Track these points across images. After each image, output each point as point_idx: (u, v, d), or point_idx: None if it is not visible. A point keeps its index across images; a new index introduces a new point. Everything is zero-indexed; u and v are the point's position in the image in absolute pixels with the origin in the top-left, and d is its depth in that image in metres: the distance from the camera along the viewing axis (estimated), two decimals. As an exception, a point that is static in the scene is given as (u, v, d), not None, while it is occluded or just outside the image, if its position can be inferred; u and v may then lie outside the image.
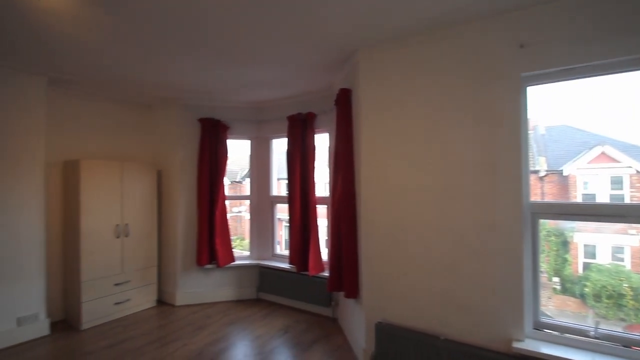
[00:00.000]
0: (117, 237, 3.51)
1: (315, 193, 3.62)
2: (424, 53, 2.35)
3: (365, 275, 2.57)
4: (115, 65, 2.92)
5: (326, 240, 3.84)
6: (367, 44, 2.53)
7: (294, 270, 3.74)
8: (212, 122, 3.97)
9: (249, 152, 4.37)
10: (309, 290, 3.62)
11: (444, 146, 2.26)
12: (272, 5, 1.96)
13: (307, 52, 2.65)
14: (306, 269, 3.60)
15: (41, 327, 3.10)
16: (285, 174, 3.84)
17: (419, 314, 2.33)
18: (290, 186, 3.74)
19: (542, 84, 2.06)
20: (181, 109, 4.00)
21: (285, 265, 3.89)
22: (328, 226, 3.73)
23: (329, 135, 3.70)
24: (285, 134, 3.89)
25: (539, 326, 2.05)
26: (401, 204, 2.41)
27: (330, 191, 3.57)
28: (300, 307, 3.80)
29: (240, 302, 4.00)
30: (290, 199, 3.74)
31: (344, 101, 2.88)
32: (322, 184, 4.06)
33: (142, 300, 3.77)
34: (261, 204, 4.25)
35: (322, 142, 3.85)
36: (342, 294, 3.24)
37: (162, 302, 4.02)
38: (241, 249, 4.08)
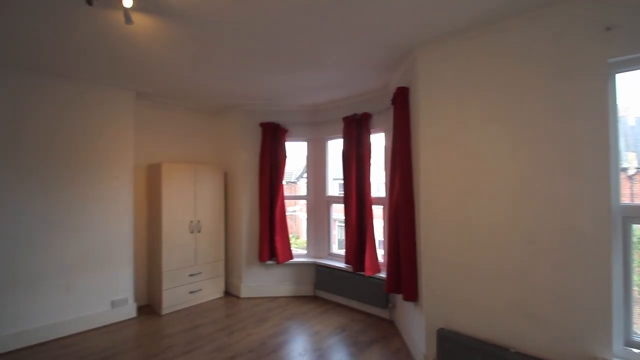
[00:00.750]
0: (191, 233, 3.90)
1: (371, 193, 3.61)
2: (488, 45, 2.21)
3: (426, 278, 2.50)
4: (191, 78, 3.26)
5: (382, 241, 3.80)
6: (426, 40, 2.46)
7: (350, 270, 3.77)
8: (272, 125, 4.19)
9: (304, 154, 4.51)
10: (365, 290, 3.62)
11: (515, 143, 2.10)
12: (332, 8, 2.02)
13: (365, 52, 2.67)
14: (362, 269, 3.61)
15: (129, 310, 3.57)
16: (340, 175, 3.89)
17: (485, 322, 2.19)
18: (346, 186, 3.78)
19: (633, 70, 1.80)
20: (244, 115, 4.29)
21: (341, 265, 3.94)
22: (384, 227, 3.69)
23: (385, 134, 3.66)
24: (341, 134, 3.94)
25: (630, 344, 1.79)
26: (467, 205, 2.30)
27: (387, 191, 3.54)
28: (356, 306, 3.82)
29: (298, 298, 4.16)
30: (346, 199, 3.78)
31: (402, 100, 2.83)
32: (378, 184, 4.02)
33: (212, 290, 4.13)
34: (317, 203, 4.36)
35: (378, 142, 3.83)
36: (399, 296, 3.18)
37: (229, 293, 4.36)
38: (296, 247, 4.24)
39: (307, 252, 4.39)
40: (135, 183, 3.82)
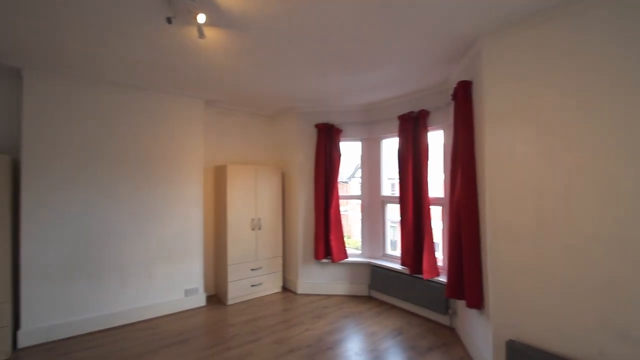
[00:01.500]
0: (253, 230, 4.15)
1: (429, 194, 3.47)
2: (563, 31, 1.98)
3: (493, 285, 2.33)
4: (252, 85, 3.47)
5: (441, 243, 3.63)
6: (491, 29, 2.29)
7: (406, 272, 3.67)
8: (326, 126, 4.25)
9: (356, 153, 4.51)
10: (423, 293, 3.50)
11: (603, 140, 1.86)
12: (392, 4, 1.99)
13: (424, 47, 2.58)
14: (420, 272, 3.49)
15: (199, 299, 3.92)
16: (396, 174, 3.81)
17: (564, 337, 1.98)
18: (402, 186, 3.69)
19: None
20: (299, 117, 4.43)
21: (396, 266, 3.85)
22: (444, 229, 3.52)
23: (444, 132, 3.49)
24: (396, 133, 3.86)
25: None
26: (541, 208, 2.10)
27: (447, 192, 3.38)
28: (412, 310, 3.71)
29: (352, 298, 4.17)
30: (402, 200, 3.69)
31: (463, 95, 2.67)
32: (436, 184, 3.85)
33: (271, 285, 4.34)
34: (372, 203, 4.32)
35: (436, 140, 3.67)
36: (461, 302, 3.02)
37: (286, 288, 4.54)
38: (348, 247, 4.27)
39: (362, 252, 4.38)
40: (205, 183, 4.17)
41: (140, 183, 3.52)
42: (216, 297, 4.21)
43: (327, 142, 4.26)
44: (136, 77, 3.24)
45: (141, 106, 3.56)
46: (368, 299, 4.13)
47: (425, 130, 3.50)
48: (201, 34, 2.06)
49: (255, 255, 4.18)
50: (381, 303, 3.98)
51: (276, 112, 4.76)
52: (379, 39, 2.42)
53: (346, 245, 4.28)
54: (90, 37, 2.39)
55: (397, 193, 3.80)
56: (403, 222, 3.67)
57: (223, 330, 3.26)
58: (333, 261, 4.15)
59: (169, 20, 1.89)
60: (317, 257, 4.20)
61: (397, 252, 4.14)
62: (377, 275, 4.04)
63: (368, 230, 4.35)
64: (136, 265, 3.48)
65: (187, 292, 3.81)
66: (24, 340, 2.89)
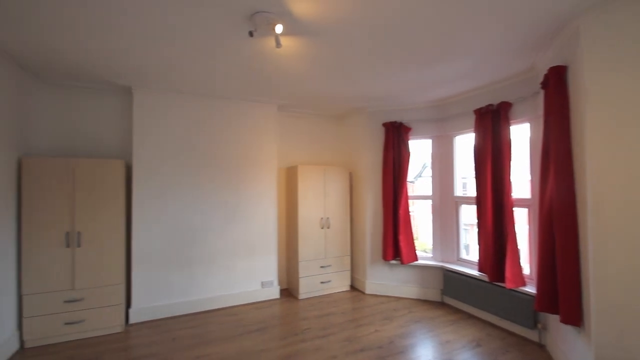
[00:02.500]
0: (322, 228, 4.28)
1: (512, 194, 3.15)
2: None
3: (597, 300, 2.03)
4: (322, 88, 3.58)
5: (527, 249, 3.27)
6: (592, 3, 1.99)
7: (485, 279, 3.39)
8: (394, 125, 4.17)
9: (424, 152, 4.32)
10: (505, 304, 3.19)
11: None
12: (466, -2, 1.88)
13: (508, 33, 2.36)
14: (501, 280, 3.20)
15: (274, 292, 4.17)
16: (471, 173, 3.55)
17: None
18: (479, 186, 3.42)
19: None
20: (367, 116, 4.42)
21: (473, 272, 3.59)
22: (531, 233, 3.17)
23: (531, 125, 3.14)
24: (472, 129, 3.60)
25: None
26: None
27: (535, 192, 3.04)
28: (492, 320, 3.41)
29: (423, 302, 4.00)
30: (479, 201, 3.42)
31: (556, 82, 2.37)
32: (520, 184, 3.48)
33: (339, 283, 4.42)
34: (444, 204, 4.10)
35: (520, 135, 3.32)
36: (553, 317, 2.68)
37: (354, 287, 4.57)
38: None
39: (433, 255, 4.18)
40: (278, 183, 4.44)
41: (223, 183, 3.90)
42: (288, 291, 4.43)
43: (395, 140, 4.16)
44: (220, 88, 3.59)
45: (223, 114, 3.94)
46: (440, 304, 3.92)
47: (507, 124, 3.19)
48: (278, 44, 2.20)
49: (324, 253, 4.29)
50: (455, 310, 3.75)
51: (344, 113, 4.82)
52: (453, 29, 2.29)
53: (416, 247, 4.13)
54: (184, 58, 2.73)
55: (469, 193, 3.53)
56: (480, 225, 3.41)
57: (296, 323, 3.43)
58: (402, 263, 4.04)
59: (250, 34, 2.06)
60: (385, 257, 4.14)
61: (472, 257, 3.86)
62: (451, 281, 3.81)
63: (440, 232, 4.13)
64: (221, 257, 3.86)
65: (264, 284, 4.10)
66: (133, 317, 3.43)
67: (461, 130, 3.85)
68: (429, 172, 4.82)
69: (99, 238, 3.13)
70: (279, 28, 2.09)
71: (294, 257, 4.27)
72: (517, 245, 3.10)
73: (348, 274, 4.50)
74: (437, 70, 3.06)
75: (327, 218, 4.33)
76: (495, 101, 3.35)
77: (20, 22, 2.18)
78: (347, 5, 1.97)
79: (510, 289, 3.12)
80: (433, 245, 4.19)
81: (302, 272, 4.13)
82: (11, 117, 2.82)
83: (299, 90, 3.71)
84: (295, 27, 2.21)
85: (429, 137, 4.23)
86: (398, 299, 4.13)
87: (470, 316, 3.59)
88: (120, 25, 2.20)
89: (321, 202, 4.29)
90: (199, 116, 3.80)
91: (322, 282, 4.26)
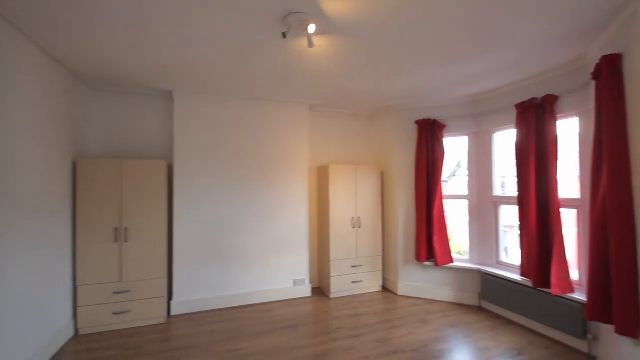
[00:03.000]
0: (353, 228, 4.26)
1: (559, 194, 2.94)
2: None
3: (659, 309, 1.84)
4: (353, 86, 3.56)
5: (576, 253, 3.04)
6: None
7: (528, 284, 3.20)
8: (428, 122, 4.05)
9: (459, 150, 4.15)
10: (550, 311, 2.99)
11: None
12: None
13: (555, 19, 2.22)
14: (546, 286, 3.00)
15: (306, 290, 4.22)
16: (511, 171, 3.36)
17: None
18: (521, 186, 3.24)
19: None
20: (399, 114, 4.33)
21: (515, 276, 3.39)
22: (580, 236, 2.94)
23: (580, 120, 2.92)
24: (512, 124, 3.41)
25: None
26: None
27: (586, 192, 2.83)
28: (535, 328, 3.21)
29: (459, 306, 3.86)
30: (521, 201, 3.23)
31: (610, 71, 2.18)
32: (568, 183, 3.25)
33: (371, 283, 4.37)
34: (482, 204, 3.91)
35: (567, 130, 3.09)
36: (606, 326, 2.47)
37: (386, 288, 4.50)
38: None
39: (470, 257, 4.00)
40: (310, 183, 4.48)
41: (257, 182, 4.00)
42: (320, 290, 4.46)
43: (428, 138, 4.05)
44: (253, 90, 3.69)
45: (257, 115, 4.04)
46: (478, 309, 3.76)
47: (552, 119, 2.99)
48: (311, 44, 2.22)
49: (356, 252, 4.27)
50: (495, 316, 3.57)
51: (375, 111, 4.76)
52: (494, 18, 2.18)
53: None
54: (220, 63, 2.84)
55: (508, 193, 3.34)
56: (523, 227, 3.22)
57: (328, 322, 3.44)
58: (437, 264, 3.92)
59: (284, 35, 2.10)
60: (418, 258, 4.04)
61: (513, 260, 3.66)
62: (490, 285, 3.63)
63: (477, 234, 3.96)
64: (254, 254, 3.97)
65: (296, 282, 4.16)
66: (175, 309, 3.62)
67: (501, 126, 3.66)
68: (463, 171, 4.64)
69: (143, 234, 3.33)
70: (311, 28, 2.11)
71: (325, 256, 4.29)
72: (564, 249, 2.90)
73: (380, 274, 4.44)
74: (475, 64, 2.93)
75: (359, 217, 4.30)
76: (539, 94, 3.15)
77: (77, 38, 2.37)
78: (380, 1, 1.94)
79: (557, 295, 2.92)
80: (470, 247, 4.02)
81: (333, 271, 4.14)
82: (68, 123, 3.08)
83: (332, 90, 3.71)
84: (327, 26, 2.22)
85: (465, 134, 4.06)
86: (432, 301, 4.01)
87: (511, 322, 3.41)
88: (165, 35, 2.33)
89: (352, 202, 4.27)
90: (233, 118, 3.93)
91: (353, 282, 4.24)
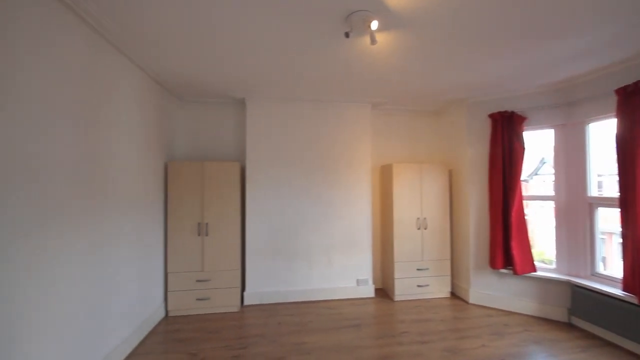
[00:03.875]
0: (418, 229, 4.10)
1: (679, 195, 2.44)
2: None
3: None
4: (420, 80, 3.43)
5: None
6: None
7: (634, 301, 2.71)
8: (504, 115, 3.69)
9: (541, 145, 3.68)
10: (669, 336, 2.49)
11: None
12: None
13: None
14: (661, 304, 2.50)
15: (369, 290, 4.19)
16: (610, 169, 2.88)
17: None
18: (625, 185, 2.76)
19: None
20: (469, 108, 4.04)
21: (614, 291, 2.90)
22: None
23: None
24: (612, 114, 2.93)
25: None
26: None
27: None
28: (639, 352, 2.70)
29: (543, 321, 3.43)
30: (624, 203, 2.76)
31: None
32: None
33: (438, 288, 4.15)
34: (572, 207, 3.43)
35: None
36: None
37: (455, 295, 4.23)
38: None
39: (557, 266, 3.54)
40: (372, 182, 4.45)
41: (321, 182, 4.11)
42: (383, 291, 4.39)
43: (505, 133, 3.68)
44: (317, 91, 3.81)
45: (320, 116, 4.16)
46: (567, 326, 3.30)
47: (668, 106, 2.49)
48: (373, 41, 2.21)
49: (421, 255, 4.09)
50: (588, 335, 3.10)
51: (441, 106, 4.51)
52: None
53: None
54: (287, 68, 3.00)
55: (606, 193, 2.85)
56: (627, 234, 2.74)
57: (393, 325, 3.37)
58: (516, 273, 3.54)
59: (347, 35, 2.13)
60: (493, 265, 3.70)
61: (613, 272, 3.13)
62: (583, 299, 3.16)
63: (566, 240, 3.47)
64: (319, 252, 4.08)
65: (359, 282, 4.16)
66: (247, 300, 3.91)
67: (596, 115, 3.17)
68: (547, 168, 4.13)
69: (221, 229, 3.68)
70: (374, 24, 2.10)
71: (389, 257, 4.20)
72: (687, 262, 2.39)
73: (448, 279, 4.18)
74: (558, 46, 2.58)
75: (424, 218, 4.11)
76: (648, 76, 2.66)
77: (170, 59, 2.75)
78: (447, -9, 1.85)
79: (676, 318, 2.42)
80: (557, 255, 3.55)
81: (397, 273, 4.03)
82: (160, 130, 3.56)
83: (395, 87, 3.63)
84: (391, 21, 2.18)
85: (550, 127, 3.60)
86: (509, 313, 3.64)
87: (609, 344, 2.92)
88: (239, 50, 2.56)
89: (417, 202, 4.11)
90: (298, 120, 4.10)
91: (419, 286, 4.07)
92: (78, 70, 2.10)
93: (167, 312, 3.61)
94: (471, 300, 3.95)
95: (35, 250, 1.75)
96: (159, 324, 3.41)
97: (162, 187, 3.60)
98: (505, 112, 3.68)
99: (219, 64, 2.95)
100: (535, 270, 3.54)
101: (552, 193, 3.61)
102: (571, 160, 3.45)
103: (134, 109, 2.92)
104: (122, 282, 2.73)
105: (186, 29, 2.30)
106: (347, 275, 4.14)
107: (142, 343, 2.99)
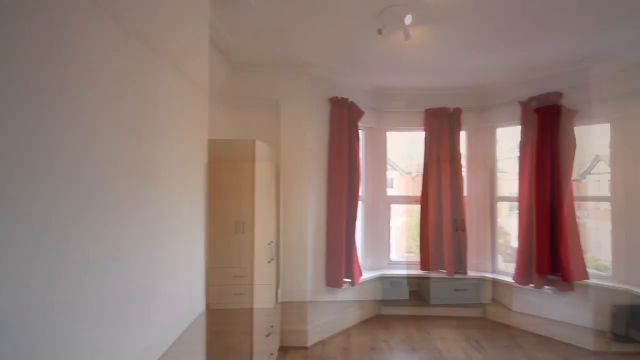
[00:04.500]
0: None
1: None
2: None
3: None
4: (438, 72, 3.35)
5: None
6: None
7: None
8: (550, 109, 3.42)
9: (596, 141, 3.38)
10: None
11: None
12: None
13: None
14: None
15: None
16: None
17: None
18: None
19: None
20: (503, 98, 3.82)
21: None
22: None
23: None
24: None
25: None
26: None
27: None
28: None
29: (588, 331, 3.13)
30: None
31: None
32: None
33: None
34: (632, 208, 3.10)
35: None
36: None
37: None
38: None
39: (613, 273, 3.21)
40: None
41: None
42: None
43: (551, 128, 3.41)
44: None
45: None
46: (624, 340, 2.98)
47: None
48: (407, 36, 2.17)
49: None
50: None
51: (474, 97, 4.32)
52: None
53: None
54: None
55: None
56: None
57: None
58: (565, 280, 3.26)
59: (379, 31, 2.12)
60: (539, 271, 3.44)
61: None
62: (647, 310, 2.85)
63: (624, 244, 3.15)
64: (351, 252, 4.06)
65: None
66: (281, 297, 3.99)
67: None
68: (602, 167, 3.77)
69: (256, 227, 3.79)
70: (408, 19, 2.07)
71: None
72: None
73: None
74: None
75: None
76: None
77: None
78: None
79: None
80: (613, 259, 3.23)
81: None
82: (202, 133, 3.75)
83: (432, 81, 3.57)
84: (424, 15, 2.14)
85: (606, 122, 3.30)
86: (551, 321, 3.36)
87: None
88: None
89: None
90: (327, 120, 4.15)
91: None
92: (134, 85, 2.28)
93: (207, 305, 3.77)
94: (513, 309, 3.69)
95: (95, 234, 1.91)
96: (199, 317, 3.58)
97: (204, 186, 3.79)
98: (554, 105, 3.41)
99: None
100: (587, 277, 3.24)
101: (607, 194, 3.33)
102: (630, 158, 3.13)
103: (181, 115, 3.10)
104: (172, 272, 2.90)
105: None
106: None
107: (184, 334, 3.15)
